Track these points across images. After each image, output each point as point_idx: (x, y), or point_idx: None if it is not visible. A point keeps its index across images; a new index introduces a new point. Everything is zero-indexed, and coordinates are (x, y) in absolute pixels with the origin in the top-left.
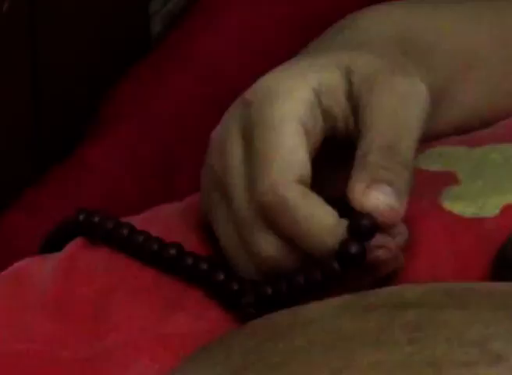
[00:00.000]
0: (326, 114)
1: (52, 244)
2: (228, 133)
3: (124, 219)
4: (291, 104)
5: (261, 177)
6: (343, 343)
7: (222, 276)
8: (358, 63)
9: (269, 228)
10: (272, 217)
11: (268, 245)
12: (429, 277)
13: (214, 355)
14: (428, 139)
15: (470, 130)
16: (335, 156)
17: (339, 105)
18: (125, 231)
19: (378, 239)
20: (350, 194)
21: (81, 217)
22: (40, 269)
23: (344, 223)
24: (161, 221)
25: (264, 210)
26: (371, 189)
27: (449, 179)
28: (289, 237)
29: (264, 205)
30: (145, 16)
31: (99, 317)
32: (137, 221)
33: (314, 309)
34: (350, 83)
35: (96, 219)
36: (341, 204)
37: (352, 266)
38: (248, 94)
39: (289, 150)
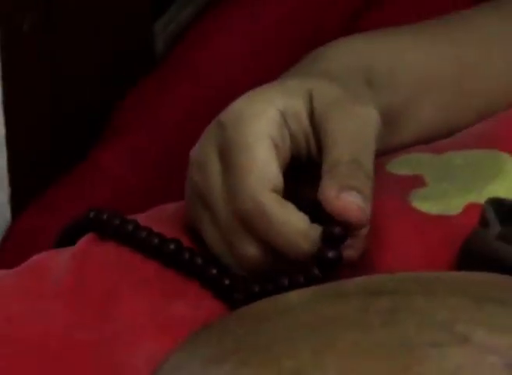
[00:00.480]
0: (292, 136)
1: (66, 239)
2: (205, 152)
3: (130, 217)
4: (262, 123)
5: (240, 188)
6: (323, 326)
7: (214, 271)
8: (320, 90)
9: (250, 233)
10: (251, 223)
11: (250, 248)
12: (401, 268)
13: (207, 339)
14: (392, 150)
15: (429, 141)
16: (298, 175)
17: (302, 128)
18: (130, 227)
19: (348, 241)
20: (323, 200)
21: (91, 214)
22: (55, 261)
23: (317, 227)
24: (164, 219)
25: (244, 217)
26: (342, 194)
27: (417, 182)
28: (267, 241)
29: (244, 213)
30: (150, 36)
31: (108, 304)
32: (142, 218)
33: (296, 296)
34: (311, 107)
35: (104, 216)
36: (309, 212)
37: (331, 270)
38: (222, 116)
39: (264, 163)
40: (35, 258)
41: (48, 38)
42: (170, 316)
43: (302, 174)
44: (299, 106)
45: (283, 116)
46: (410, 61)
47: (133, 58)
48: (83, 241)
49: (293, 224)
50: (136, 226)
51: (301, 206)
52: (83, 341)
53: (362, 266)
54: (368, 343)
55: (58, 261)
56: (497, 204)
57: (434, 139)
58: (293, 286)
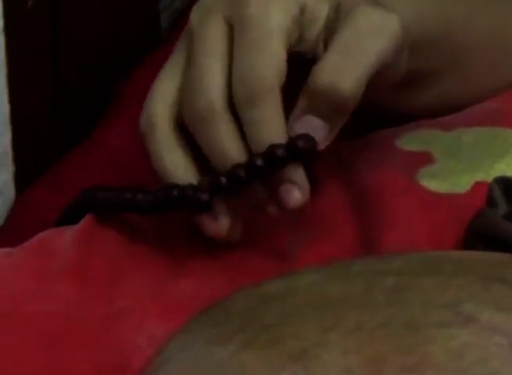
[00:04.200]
0: (300, 33)
1: (66, 219)
2: (209, 12)
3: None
4: (283, 15)
5: (249, 72)
6: (329, 306)
7: (176, 192)
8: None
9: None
10: (243, 108)
11: (208, 99)
12: (408, 248)
13: (211, 319)
14: (403, 118)
15: (442, 114)
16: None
17: (312, 30)
18: (110, 194)
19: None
20: (290, 117)
21: (81, 197)
22: (59, 240)
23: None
24: None
25: (240, 101)
26: (302, 119)
27: (425, 158)
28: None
29: (245, 91)
30: (155, 13)
31: (111, 283)
32: None
33: (302, 277)
34: (336, 13)
35: (90, 194)
36: None
37: (296, 155)
38: None
39: (280, 58)
40: (39, 236)
41: (52, 16)
42: (174, 294)
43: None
44: (320, 9)
45: (302, 13)
46: (449, 29)
47: (138, 35)
48: (85, 220)
49: (277, 126)
50: (114, 189)
51: None
52: (86, 319)
53: (370, 244)
54: (374, 323)
55: (62, 239)
56: (505, 183)
57: (447, 113)
58: (251, 168)
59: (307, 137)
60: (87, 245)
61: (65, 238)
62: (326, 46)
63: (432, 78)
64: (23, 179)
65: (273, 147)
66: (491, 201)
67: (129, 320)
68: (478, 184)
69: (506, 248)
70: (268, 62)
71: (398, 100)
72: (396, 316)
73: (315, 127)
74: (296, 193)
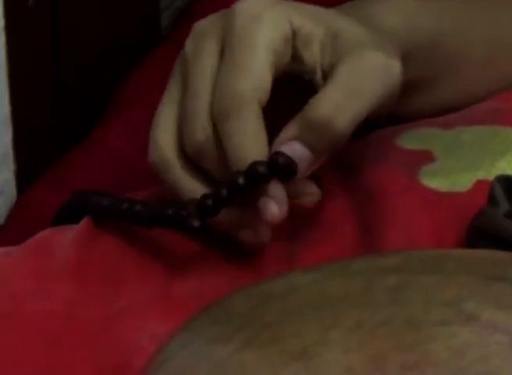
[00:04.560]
0: (296, 54)
1: (61, 218)
2: (210, 32)
3: (132, 193)
4: (272, 33)
5: (232, 84)
6: (330, 305)
7: (170, 211)
8: (349, 31)
9: (211, 119)
10: (221, 119)
11: (199, 136)
12: (409, 246)
13: (212, 318)
14: (405, 120)
15: (443, 114)
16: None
17: (309, 53)
18: (104, 201)
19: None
20: (276, 139)
21: (73, 199)
22: (59, 239)
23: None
24: (164, 195)
25: (219, 110)
26: (289, 144)
27: (425, 157)
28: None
29: (222, 106)
30: (155, 12)
31: (112, 282)
32: (144, 194)
33: (302, 275)
34: (333, 40)
35: (82, 198)
36: None
37: (277, 172)
38: (237, 8)
39: (261, 75)
40: (39, 236)
41: (52, 15)
42: (175, 294)
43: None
44: (315, 32)
45: (295, 34)
46: (448, 36)
47: (139, 34)
48: (85, 220)
49: (255, 142)
50: (109, 197)
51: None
52: (86, 319)
53: (371, 243)
54: (374, 321)
55: (61, 239)
56: (506, 181)
57: (448, 113)
58: (237, 191)
59: (287, 155)
60: (87, 245)
61: (65, 238)
62: (324, 74)
63: (427, 85)
64: (24, 178)
65: (254, 164)
66: (492, 200)
67: (130, 320)
68: (479, 183)
69: (508, 246)
70: (247, 77)
71: (396, 108)
72: (397, 314)
73: (300, 155)
74: (273, 207)
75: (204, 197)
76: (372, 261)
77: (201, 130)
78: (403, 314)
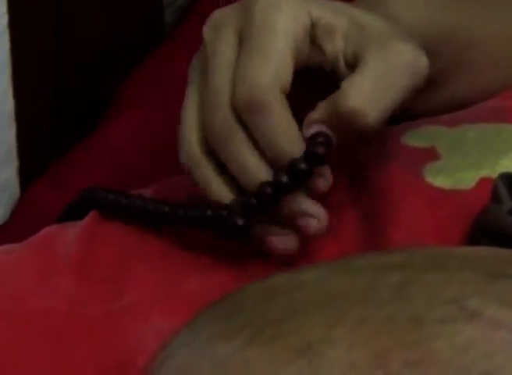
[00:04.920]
0: (315, 46)
1: (68, 216)
2: (228, 20)
3: (136, 190)
4: (291, 22)
5: (253, 73)
6: (333, 302)
7: (209, 213)
8: (373, 24)
9: (231, 107)
10: (246, 110)
11: (221, 117)
12: (413, 244)
13: (217, 314)
14: (415, 117)
15: (457, 110)
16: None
17: (331, 43)
18: (123, 199)
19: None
20: (305, 122)
21: (86, 195)
22: (63, 236)
23: (303, 143)
24: (170, 191)
25: (242, 101)
26: (314, 126)
27: (430, 154)
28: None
29: (245, 98)
30: (159, 9)
31: (115, 279)
32: (148, 192)
33: (307, 272)
34: (358, 31)
35: (98, 194)
36: None
37: (318, 164)
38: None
39: (283, 60)
40: (43, 232)
41: (54, 11)
42: (179, 290)
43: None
44: (336, 23)
45: (315, 26)
46: (465, 33)
47: (141, 31)
48: (89, 217)
49: (287, 129)
50: (129, 198)
51: None
52: (89, 316)
53: (375, 241)
54: (378, 318)
55: (65, 236)
56: (509, 179)
57: (455, 111)
58: (281, 188)
59: (323, 137)
60: (90, 242)
61: (68, 235)
62: (347, 64)
63: (439, 80)
64: (27, 176)
65: (295, 161)
66: (496, 197)
67: (134, 317)
68: (483, 180)
69: (511, 243)
70: (268, 65)
71: (412, 104)
72: (401, 311)
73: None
74: (313, 222)
75: (248, 197)
76: (376, 258)
77: (222, 123)
78: (407, 311)
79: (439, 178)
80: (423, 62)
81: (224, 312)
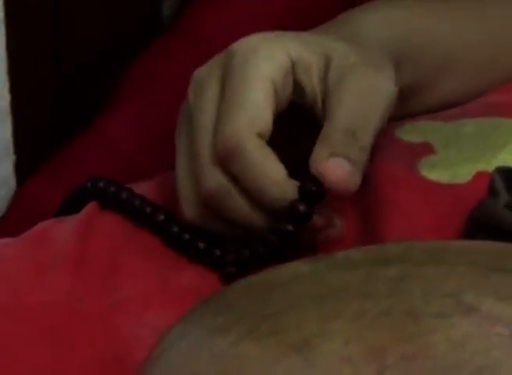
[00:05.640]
0: (297, 85)
1: (67, 207)
2: (209, 73)
3: (134, 185)
4: (270, 65)
5: (228, 123)
6: (330, 296)
7: (202, 245)
8: (340, 53)
9: (218, 166)
10: (227, 162)
11: (212, 179)
12: (410, 238)
13: (212, 309)
14: (403, 117)
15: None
16: (299, 132)
17: (310, 82)
18: (124, 195)
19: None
20: (312, 162)
21: (89, 184)
22: (59, 230)
23: (293, 182)
24: (167, 187)
25: (222, 155)
26: (331, 159)
27: (426, 149)
28: (234, 179)
29: (223, 150)
30: (157, 1)
31: (112, 273)
32: (148, 186)
33: (303, 266)
34: (327, 68)
35: (101, 184)
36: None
37: (301, 223)
38: (235, 45)
39: (259, 105)
40: (38, 226)
41: (52, 7)
42: (175, 285)
43: (308, 128)
44: (312, 61)
45: (293, 64)
46: (440, 32)
47: (140, 23)
48: (86, 210)
49: (269, 171)
50: (130, 194)
51: (295, 163)
52: (86, 311)
53: (371, 235)
54: (375, 312)
55: (61, 230)
56: (506, 173)
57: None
58: (267, 245)
59: (312, 179)
60: (87, 236)
61: (64, 228)
62: (323, 103)
63: (423, 87)
64: (24, 170)
65: (294, 203)
66: (492, 192)
67: (131, 311)
68: (479, 174)
69: (508, 237)
70: (243, 111)
71: (393, 113)
72: (397, 305)
73: (348, 169)
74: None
75: (242, 248)
76: (373, 252)
77: (210, 177)
78: (404, 305)
79: (434, 172)
80: (391, 85)
81: (220, 306)
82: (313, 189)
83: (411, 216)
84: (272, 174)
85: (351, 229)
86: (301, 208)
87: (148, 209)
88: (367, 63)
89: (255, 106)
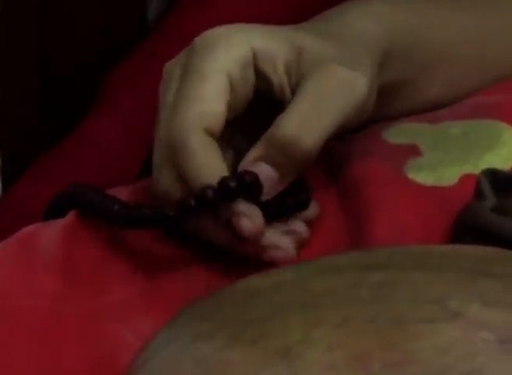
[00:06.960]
0: (260, 76)
1: (52, 212)
2: (172, 67)
3: (119, 188)
4: (227, 58)
5: (175, 118)
6: (314, 302)
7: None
8: (312, 48)
9: (169, 162)
10: (172, 156)
11: (160, 178)
12: (397, 242)
13: (200, 312)
14: (389, 119)
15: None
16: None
17: (275, 73)
18: (98, 199)
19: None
20: (242, 162)
21: (70, 190)
22: (44, 234)
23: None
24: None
25: (167, 148)
26: (255, 164)
27: (412, 151)
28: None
29: (167, 144)
30: (142, 3)
31: (98, 278)
32: (129, 190)
33: (289, 272)
34: (297, 59)
35: (80, 191)
36: None
37: (202, 206)
38: (197, 39)
39: (208, 100)
40: (23, 231)
41: (38, 5)
42: (160, 290)
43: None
44: (278, 52)
45: (256, 55)
46: (429, 31)
47: (125, 25)
48: (71, 214)
49: (208, 170)
50: (103, 197)
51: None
52: (72, 315)
53: (357, 237)
54: (360, 319)
55: (47, 234)
56: (492, 175)
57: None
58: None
59: (250, 175)
60: (73, 240)
61: (49, 233)
62: (293, 92)
63: (409, 85)
64: (10, 173)
65: (226, 179)
66: (479, 194)
67: (117, 315)
68: (465, 177)
69: (494, 241)
70: (194, 103)
71: (378, 111)
72: (383, 311)
73: (266, 175)
74: (245, 222)
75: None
76: (358, 257)
77: (159, 177)
78: (389, 311)
79: (420, 174)
80: (359, 82)
81: (205, 312)
82: (231, 185)
83: (398, 218)
84: (211, 172)
85: (337, 231)
86: (209, 192)
87: (116, 206)
88: (339, 58)
89: (205, 100)
